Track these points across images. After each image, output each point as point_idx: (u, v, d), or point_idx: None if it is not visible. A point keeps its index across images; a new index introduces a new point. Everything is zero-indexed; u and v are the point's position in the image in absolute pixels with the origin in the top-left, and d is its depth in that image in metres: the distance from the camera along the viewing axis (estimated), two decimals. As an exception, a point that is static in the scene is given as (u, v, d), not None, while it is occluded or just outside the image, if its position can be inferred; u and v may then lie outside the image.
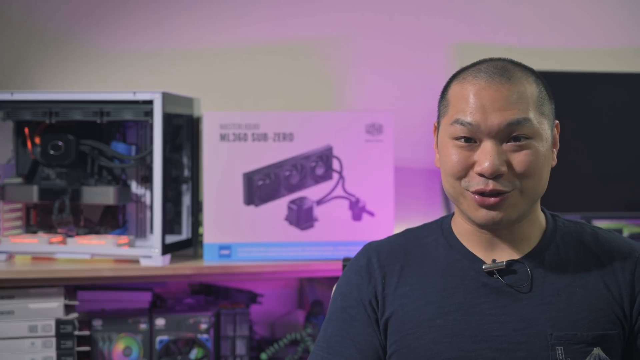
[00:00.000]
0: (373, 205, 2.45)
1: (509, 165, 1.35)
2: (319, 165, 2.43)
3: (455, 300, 1.39)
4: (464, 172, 1.37)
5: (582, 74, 2.79)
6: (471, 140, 1.37)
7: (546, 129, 1.39)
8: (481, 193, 1.36)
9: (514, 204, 1.37)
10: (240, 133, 2.41)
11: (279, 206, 2.43)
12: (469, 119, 1.36)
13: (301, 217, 2.43)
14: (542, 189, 1.40)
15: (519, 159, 1.35)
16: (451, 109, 1.40)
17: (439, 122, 1.46)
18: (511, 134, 1.35)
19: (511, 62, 1.42)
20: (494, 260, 1.41)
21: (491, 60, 1.42)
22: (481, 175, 1.35)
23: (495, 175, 1.34)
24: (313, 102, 2.82)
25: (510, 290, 1.38)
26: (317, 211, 2.43)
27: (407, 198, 2.82)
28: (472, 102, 1.36)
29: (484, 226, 1.40)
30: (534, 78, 1.41)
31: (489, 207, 1.36)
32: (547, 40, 2.94)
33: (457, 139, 1.38)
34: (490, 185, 1.35)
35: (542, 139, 1.37)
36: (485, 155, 1.35)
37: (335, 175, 2.44)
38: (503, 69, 1.38)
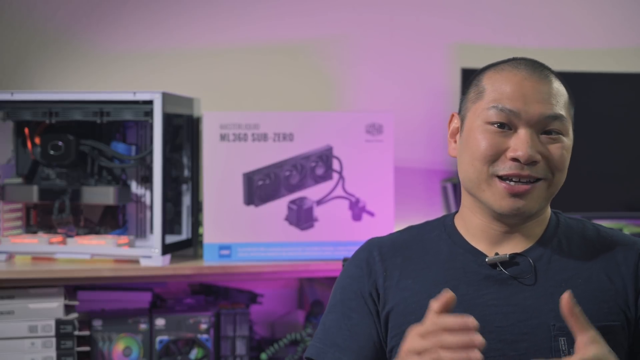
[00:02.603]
0: (373, 205, 2.45)
1: (543, 155, 1.37)
2: (319, 165, 2.43)
3: (458, 293, 1.38)
4: (495, 156, 1.38)
5: (582, 74, 2.79)
6: (505, 126, 1.38)
7: (570, 131, 1.42)
8: (512, 178, 1.36)
9: (539, 196, 1.38)
10: (240, 133, 2.41)
11: (279, 206, 2.43)
12: (509, 105, 1.37)
13: (301, 217, 2.43)
14: (561, 184, 1.42)
15: (553, 151, 1.38)
16: (488, 94, 1.40)
17: (463, 109, 1.45)
18: (545, 127, 1.38)
19: (542, 64, 1.45)
20: (496, 253, 1.42)
21: (526, 58, 1.45)
22: (515, 160, 1.36)
23: (530, 162, 1.36)
24: (313, 102, 2.82)
25: (513, 282, 1.39)
26: (317, 211, 2.43)
27: (407, 198, 2.82)
28: (513, 90, 1.38)
29: (504, 216, 1.40)
30: (563, 83, 1.44)
31: (517, 195, 1.37)
32: (547, 40, 2.94)
33: (492, 124, 1.38)
34: (527, 170, 1.36)
35: (569, 139, 1.41)
36: (522, 142, 1.36)
37: (335, 175, 2.44)
38: (542, 67, 1.43)
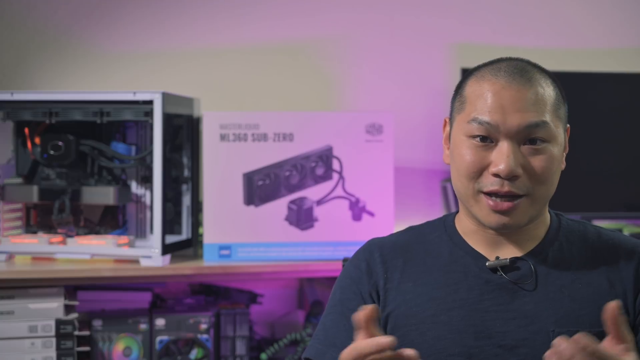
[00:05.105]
0: (373, 205, 2.44)
1: (525, 168, 1.35)
2: (319, 165, 2.43)
3: (458, 297, 1.39)
4: (479, 172, 1.36)
5: (582, 74, 2.78)
6: (487, 139, 1.36)
7: (561, 133, 1.39)
8: (495, 194, 1.35)
9: (525, 212, 1.36)
10: (240, 133, 2.41)
11: (279, 206, 2.43)
12: (487, 118, 1.35)
13: (301, 217, 2.43)
14: (552, 192, 1.40)
15: (535, 164, 1.35)
16: (468, 106, 1.38)
17: (452, 118, 1.44)
18: (528, 137, 1.35)
19: (529, 62, 1.41)
20: (497, 257, 1.41)
21: (510, 59, 1.41)
22: (496, 175, 1.34)
23: (510, 177, 1.34)
24: (313, 102, 2.82)
25: (513, 287, 1.38)
26: (317, 211, 2.43)
27: (407, 198, 2.82)
28: (491, 102, 1.35)
29: (494, 229, 1.40)
30: (551, 80, 1.40)
31: (502, 213, 1.36)
32: (547, 40, 2.94)
33: (473, 137, 1.36)
34: (506, 186, 1.34)
35: (557, 143, 1.37)
36: (502, 156, 1.34)
37: (335, 175, 2.44)
38: (523, 70, 1.38)
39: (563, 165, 1.42)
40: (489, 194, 1.36)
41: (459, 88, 1.44)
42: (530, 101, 1.35)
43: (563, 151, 1.41)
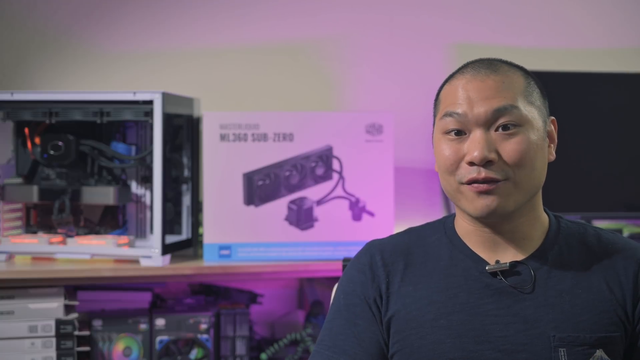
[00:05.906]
0: (373, 205, 2.45)
1: (499, 153, 1.36)
2: (319, 165, 2.43)
3: (458, 301, 1.39)
4: (456, 164, 1.38)
5: (582, 74, 2.79)
6: (461, 132, 1.38)
7: (536, 118, 1.39)
8: (474, 181, 1.36)
9: (509, 194, 1.36)
10: (240, 133, 2.41)
11: (279, 206, 2.43)
12: (457, 110, 1.38)
13: (301, 217, 2.43)
14: (538, 180, 1.39)
15: (509, 148, 1.36)
16: (442, 106, 1.43)
17: (433, 124, 1.47)
18: (499, 122, 1.36)
19: (500, 59, 1.44)
20: (497, 261, 1.40)
21: (480, 59, 1.44)
22: (472, 164, 1.36)
23: (484, 162, 1.35)
24: (313, 102, 2.82)
25: (513, 291, 1.38)
26: (317, 211, 2.43)
27: (407, 198, 2.82)
28: (459, 95, 1.39)
29: (483, 218, 1.39)
30: (522, 73, 1.42)
31: (485, 193, 1.36)
32: (547, 40, 2.94)
33: (448, 132, 1.39)
34: (483, 173, 1.35)
35: (533, 127, 1.38)
36: (474, 144, 1.36)
37: (335, 175, 2.44)
38: (489, 63, 1.41)
39: (552, 157, 1.42)
40: (469, 183, 1.37)
41: (436, 96, 1.48)
42: (496, 88, 1.37)
43: (548, 141, 1.41)
